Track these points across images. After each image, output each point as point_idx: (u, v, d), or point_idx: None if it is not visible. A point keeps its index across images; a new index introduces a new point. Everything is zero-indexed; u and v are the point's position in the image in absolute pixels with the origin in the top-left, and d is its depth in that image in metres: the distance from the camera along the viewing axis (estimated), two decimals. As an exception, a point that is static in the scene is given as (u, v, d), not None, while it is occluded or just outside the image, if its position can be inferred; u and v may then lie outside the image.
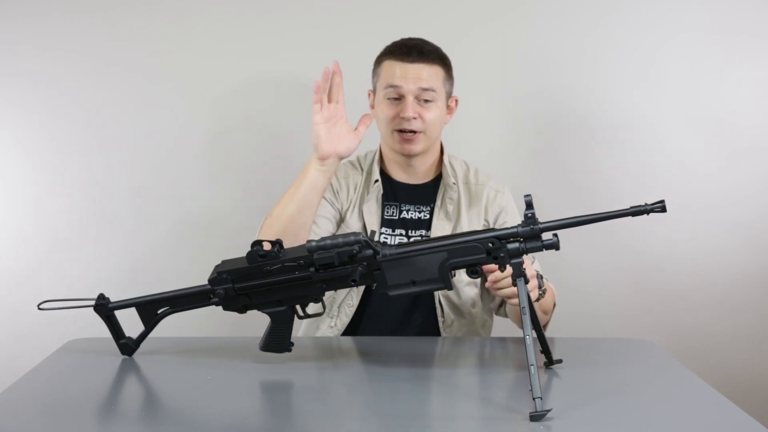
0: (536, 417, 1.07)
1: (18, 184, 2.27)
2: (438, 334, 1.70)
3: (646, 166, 2.19)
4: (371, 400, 1.22)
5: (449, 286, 1.23)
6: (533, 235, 1.19)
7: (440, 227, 1.71)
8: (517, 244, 1.20)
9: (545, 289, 1.54)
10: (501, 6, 2.19)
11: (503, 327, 1.97)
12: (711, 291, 2.21)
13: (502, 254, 1.20)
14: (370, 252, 1.25)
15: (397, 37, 1.76)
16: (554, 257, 2.17)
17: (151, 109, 2.26)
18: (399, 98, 1.66)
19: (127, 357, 1.47)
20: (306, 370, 1.38)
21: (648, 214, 1.12)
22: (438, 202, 1.73)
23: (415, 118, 1.64)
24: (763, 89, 2.14)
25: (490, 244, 1.20)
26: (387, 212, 1.74)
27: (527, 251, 1.20)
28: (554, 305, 1.65)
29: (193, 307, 1.40)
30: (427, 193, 1.75)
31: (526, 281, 1.19)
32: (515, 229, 1.19)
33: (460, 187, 1.74)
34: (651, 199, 2.15)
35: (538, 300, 1.52)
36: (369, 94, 1.78)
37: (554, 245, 1.20)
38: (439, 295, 1.69)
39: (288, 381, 1.30)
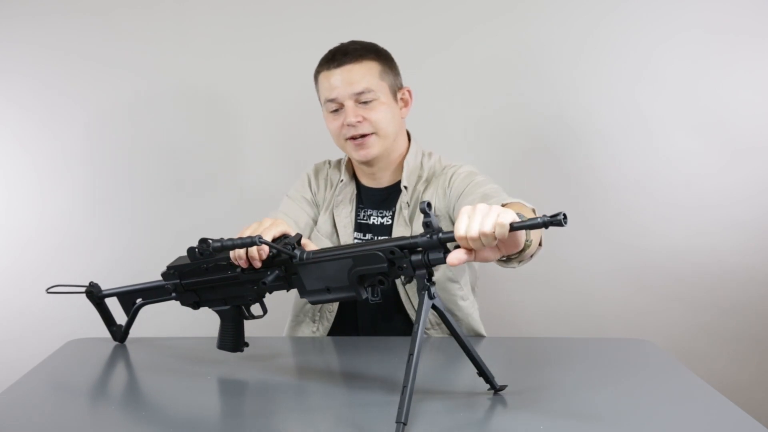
0: None
1: (19, 184, 2.28)
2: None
3: (645, 166, 2.19)
4: (345, 401, 1.21)
5: (359, 296, 1.17)
6: (432, 245, 1.08)
7: (399, 233, 1.65)
8: (420, 256, 1.10)
9: (530, 241, 1.19)
10: (500, 6, 2.18)
11: (500, 327, 1.97)
12: (711, 291, 2.21)
13: (404, 264, 1.11)
14: (287, 255, 1.23)
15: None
16: (554, 258, 2.19)
17: (151, 109, 2.26)
18: (339, 108, 1.62)
19: (122, 354, 1.49)
20: (287, 369, 1.39)
21: (546, 227, 1.00)
22: (397, 207, 1.67)
23: (359, 121, 1.60)
24: (763, 89, 2.14)
25: (391, 254, 1.11)
26: (359, 216, 1.72)
27: (430, 264, 1.09)
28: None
29: (160, 299, 1.47)
30: (388, 197, 1.70)
31: (431, 297, 1.10)
32: (415, 239, 1.09)
33: (419, 188, 1.67)
34: (650, 198, 2.19)
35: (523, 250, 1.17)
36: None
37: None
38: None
39: (268, 379, 1.31)
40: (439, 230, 1.08)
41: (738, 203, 2.17)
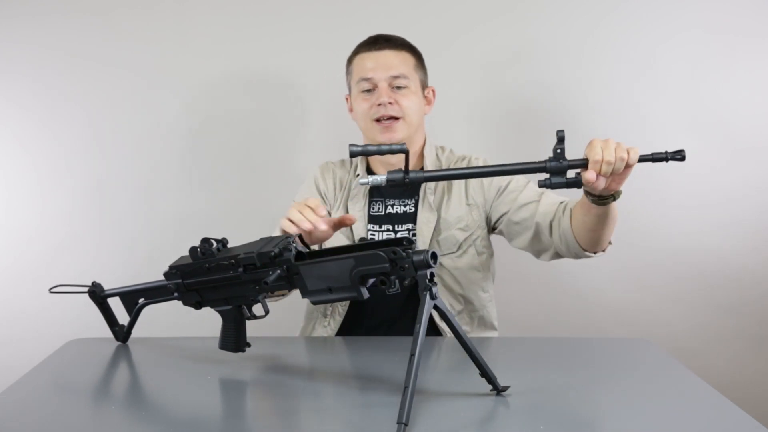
0: None
1: (19, 184, 2.28)
2: (437, 331, 1.66)
3: (645, 165, 2.18)
4: (347, 402, 1.21)
5: (361, 296, 1.17)
6: (561, 169, 1.26)
7: (425, 219, 1.71)
8: (422, 256, 1.09)
9: (619, 192, 1.44)
10: (500, 5, 2.19)
11: (500, 327, 1.97)
12: (711, 291, 2.21)
13: (406, 265, 1.10)
14: (289, 255, 1.23)
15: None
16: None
17: (151, 109, 2.27)
18: (373, 89, 1.70)
19: (123, 354, 1.50)
20: (288, 369, 1.40)
21: (667, 161, 1.27)
22: (421, 195, 1.73)
23: (390, 103, 1.68)
24: (763, 89, 2.14)
25: (393, 254, 1.11)
26: (373, 209, 1.75)
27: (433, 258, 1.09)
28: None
29: (162, 299, 1.47)
30: (411, 186, 1.72)
31: (433, 297, 1.08)
32: (543, 164, 1.26)
33: None
34: (650, 198, 2.19)
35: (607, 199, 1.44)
36: (346, 99, 1.81)
37: (577, 183, 1.28)
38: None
39: (269, 380, 1.31)
40: (565, 158, 1.26)
41: (738, 203, 2.17)
